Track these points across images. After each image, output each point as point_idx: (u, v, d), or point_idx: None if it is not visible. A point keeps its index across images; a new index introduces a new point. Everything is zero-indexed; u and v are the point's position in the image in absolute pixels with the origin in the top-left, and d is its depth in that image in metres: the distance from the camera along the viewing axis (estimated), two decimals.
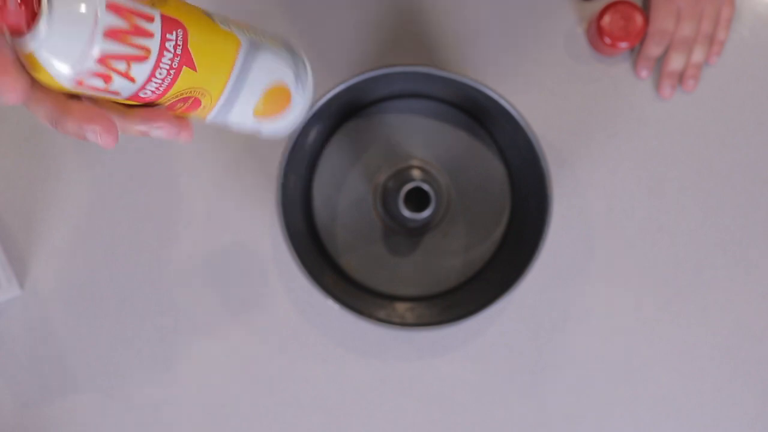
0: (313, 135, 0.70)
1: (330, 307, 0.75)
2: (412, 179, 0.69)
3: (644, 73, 0.75)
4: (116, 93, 0.32)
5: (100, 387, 0.75)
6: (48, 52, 0.29)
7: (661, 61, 0.75)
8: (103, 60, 0.30)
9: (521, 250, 0.69)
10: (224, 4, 0.76)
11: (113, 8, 0.29)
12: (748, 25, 0.76)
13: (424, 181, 0.68)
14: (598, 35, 0.72)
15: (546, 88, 0.76)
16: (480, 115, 0.73)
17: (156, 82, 0.32)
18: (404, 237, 0.74)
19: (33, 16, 0.29)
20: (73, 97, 0.33)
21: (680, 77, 0.75)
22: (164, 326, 0.75)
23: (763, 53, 0.76)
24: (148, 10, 0.31)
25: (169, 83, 0.33)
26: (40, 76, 0.30)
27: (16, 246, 0.75)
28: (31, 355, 0.75)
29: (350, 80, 0.65)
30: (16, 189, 0.75)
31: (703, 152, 0.76)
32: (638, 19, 0.72)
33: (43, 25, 0.29)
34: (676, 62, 0.74)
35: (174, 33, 0.32)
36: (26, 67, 0.30)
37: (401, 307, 0.72)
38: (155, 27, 0.31)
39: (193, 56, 0.33)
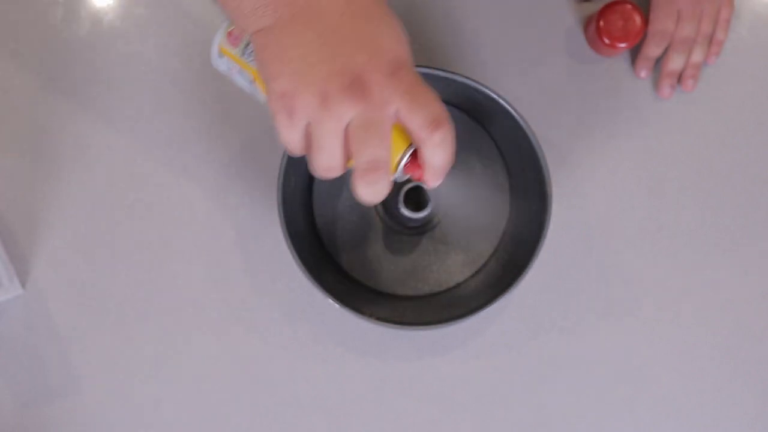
0: None
1: (330, 306, 0.75)
2: (411, 179, 0.69)
3: (644, 74, 0.75)
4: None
5: (100, 386, 0.75)
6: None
7: (660, 61, 0.75)
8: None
9: (521, 250, 0.69)
10: None
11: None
12: (747, 25, 0.76)
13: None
14: (597, 35, 0.72)
15: (546, 88, 0.76)
16: (480, 115, 0.73)
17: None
18: (404, 236, 0.74)
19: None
20: None
21: (679, 77, 0.75)
22: (164, 326, 0.75)
23: (762, 53, 0.76)
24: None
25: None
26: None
27: (17, 245, 0.75)
28: (32, 355, 0.75)
29: None
30: (18, 189, 0.75)
31: (703, 152, 0.76)
32: (637, 19, 0.72)
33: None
34: (675, 62, 0.74)
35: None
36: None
37: (401, 306, 0.72)
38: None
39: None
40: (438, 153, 0.46)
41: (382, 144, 0.45)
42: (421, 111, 0.45)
